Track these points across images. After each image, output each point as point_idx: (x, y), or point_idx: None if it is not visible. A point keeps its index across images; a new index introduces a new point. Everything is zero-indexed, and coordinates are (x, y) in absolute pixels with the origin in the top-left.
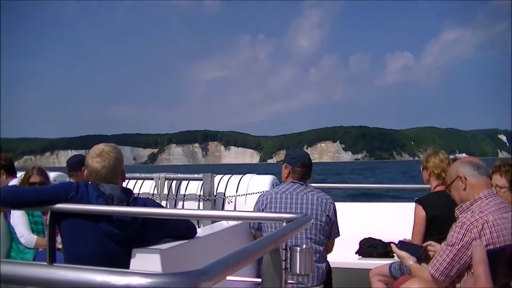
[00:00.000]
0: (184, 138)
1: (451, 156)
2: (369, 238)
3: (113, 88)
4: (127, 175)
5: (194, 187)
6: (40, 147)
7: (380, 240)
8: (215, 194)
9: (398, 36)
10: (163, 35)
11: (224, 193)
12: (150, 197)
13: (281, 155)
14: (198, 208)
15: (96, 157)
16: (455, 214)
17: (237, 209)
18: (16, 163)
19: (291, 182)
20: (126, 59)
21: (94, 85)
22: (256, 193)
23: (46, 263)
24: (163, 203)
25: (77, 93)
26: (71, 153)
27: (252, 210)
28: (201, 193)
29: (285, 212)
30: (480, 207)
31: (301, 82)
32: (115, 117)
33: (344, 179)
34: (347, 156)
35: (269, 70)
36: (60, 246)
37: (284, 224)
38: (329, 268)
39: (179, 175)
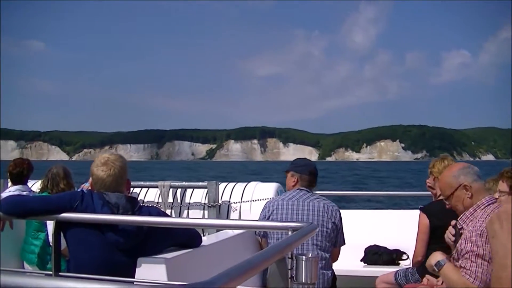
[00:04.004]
0: (243, 134)
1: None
2: (374, 245)
3: (170, 83)
4: (132, 183)
5: (199, 195)
6: (99, 140)
7: (385, 248)
8: (220, 202)
9: (455, 33)
10: (218, 30)
11: (229, 201)
12: (155, 205)
13: (340, 153)
14: (203, 216)
15: (101, 166)
16: (458, 224)
17: (242, 217)
18: (75, 156)
19: (297, 189)
20: (182, 54)
21: (151, 79)
22: (261, 200)
23: (51, 273)
24: (168, 211)
25: (134, 87)
26: (129, 147)
27: (257, 218)
28: (206, 201)
29: (291, 220)
30: (484, 213)
31: (356, 78)
32: (173, 111)
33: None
34: (407, 156)
35: (323, 66)
36: None
37: (290, 233)
38: (334, 276)
39: (184, 183)
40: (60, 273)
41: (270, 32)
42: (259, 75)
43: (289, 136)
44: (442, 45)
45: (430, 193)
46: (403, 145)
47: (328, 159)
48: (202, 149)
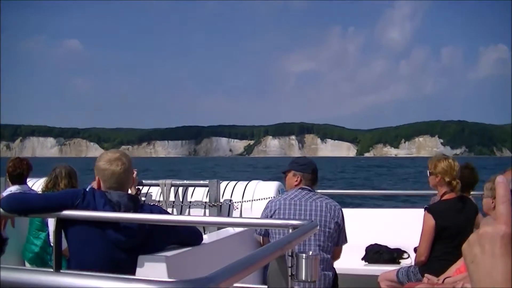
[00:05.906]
0: (281, 130)
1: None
2: (375, 244)
3: (208, 79)
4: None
5: (200, 193)
6: (137, 137)
7: (386, 246)
8: (221, 200)
9: (492, 28)
10: (252, 27)
11: (230, 200)
12: (157, 204)
13: (378, 149)
14: (204, 215)
15: (115, 161)
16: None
17: (243, 216)
18: None
19: (299, 189)
20: (217, 50)
21: (188, 76)
22: (262, 199)
23: (52, 270)
24: (169, 210)
25: (172, 84)
26: (167, 143)
27: (258, 216)
28: (207, 200)
29: (294, 219)
30: None
31: (392, 75)
32: (210, 108)
33: None
34: (446, 151)
35: (359, 63)
36: None
37: (291, 230)
38: (335, 275)
39: (185, 182)
40: (60, 271)
41: (305, 28)
42: (296, 71)
43: (327, 132)
44: (479, 40)
45: (432, 192)
46: (442, 140)
47: (367, 154)
48: (240, 145)
